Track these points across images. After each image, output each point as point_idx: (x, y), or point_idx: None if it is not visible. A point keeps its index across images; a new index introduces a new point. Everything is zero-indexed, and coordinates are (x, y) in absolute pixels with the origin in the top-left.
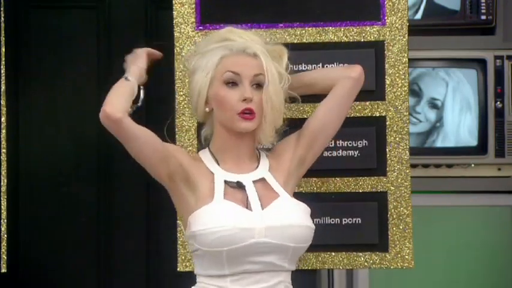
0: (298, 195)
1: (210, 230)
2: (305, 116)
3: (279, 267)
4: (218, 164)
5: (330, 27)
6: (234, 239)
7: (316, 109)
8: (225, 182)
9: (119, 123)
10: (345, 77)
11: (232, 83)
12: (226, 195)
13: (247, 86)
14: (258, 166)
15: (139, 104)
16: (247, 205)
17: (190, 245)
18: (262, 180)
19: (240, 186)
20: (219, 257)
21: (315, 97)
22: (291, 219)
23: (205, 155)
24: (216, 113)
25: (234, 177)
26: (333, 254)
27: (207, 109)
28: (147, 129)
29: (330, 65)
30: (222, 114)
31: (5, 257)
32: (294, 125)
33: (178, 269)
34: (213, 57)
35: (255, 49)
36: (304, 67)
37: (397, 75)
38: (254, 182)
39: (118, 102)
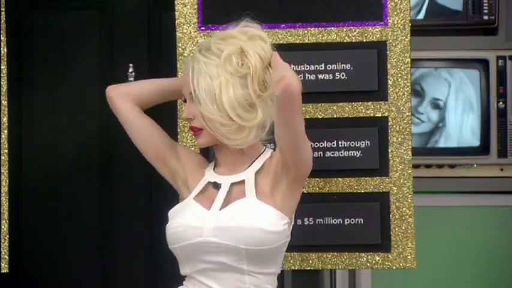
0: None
1: (168, 228)
2: (307, 117)
3: (236, 269)
4: (215, 167)
5: (332, 28)
6: (183, 236)
7: None
8: (209, 183)
9: (110, 100)
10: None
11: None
12: (200, 195)
13: (187, 106)
14: (247, 168)
15: None
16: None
17: None
18: (242, 182)
19: (215, 186)
20: (178, 255)
21: (319, 97)
22: (243, 221)
23: (213, 160)
24: None
25: (217, 179)
26: (335, 254)
27: None
28: (152, 125)
29: (333, 66)
30: None
31: (7, 257)
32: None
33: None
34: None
35: (193, 63)
36: (307, 67)
37: (399, 75)
38: (234, 183)
39: (126, 85)
